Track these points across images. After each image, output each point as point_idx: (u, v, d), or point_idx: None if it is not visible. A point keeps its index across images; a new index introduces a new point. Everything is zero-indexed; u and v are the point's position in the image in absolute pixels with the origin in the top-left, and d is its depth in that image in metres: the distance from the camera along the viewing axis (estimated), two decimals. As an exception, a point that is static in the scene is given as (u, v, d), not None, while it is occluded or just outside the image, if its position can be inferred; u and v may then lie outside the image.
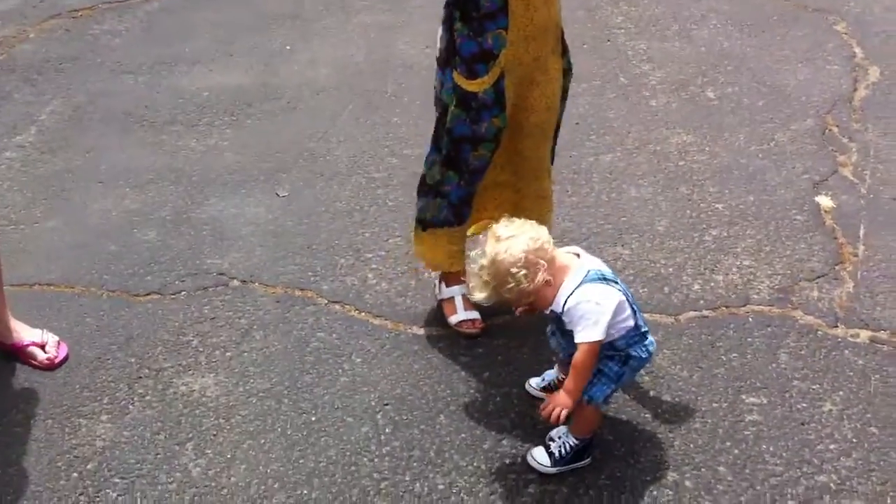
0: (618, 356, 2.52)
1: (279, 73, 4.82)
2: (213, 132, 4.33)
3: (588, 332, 2.41)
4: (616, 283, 2.51)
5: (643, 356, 2.54)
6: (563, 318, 2.46)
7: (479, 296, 2.50)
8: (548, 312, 2.51)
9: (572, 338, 2.46)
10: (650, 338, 2.56)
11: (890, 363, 2.98)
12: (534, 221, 2.52)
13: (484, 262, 2.44)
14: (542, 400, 2.83)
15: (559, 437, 2.65)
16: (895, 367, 2.96)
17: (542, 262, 2.42)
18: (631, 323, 2.49)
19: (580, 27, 5.09)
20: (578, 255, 2.55)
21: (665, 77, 4.67)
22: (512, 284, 2.42)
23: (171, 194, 3.91)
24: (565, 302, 2.44)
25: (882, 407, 2.82)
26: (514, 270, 2.40)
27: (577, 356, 2.45)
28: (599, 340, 2.42)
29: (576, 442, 2.62)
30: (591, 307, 2.41)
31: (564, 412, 2.49)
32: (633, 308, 2.51)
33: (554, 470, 2.63)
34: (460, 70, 2.78)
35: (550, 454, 2.64)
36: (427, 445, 2.74)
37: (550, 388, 2.83)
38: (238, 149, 4.21)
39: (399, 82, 4.69)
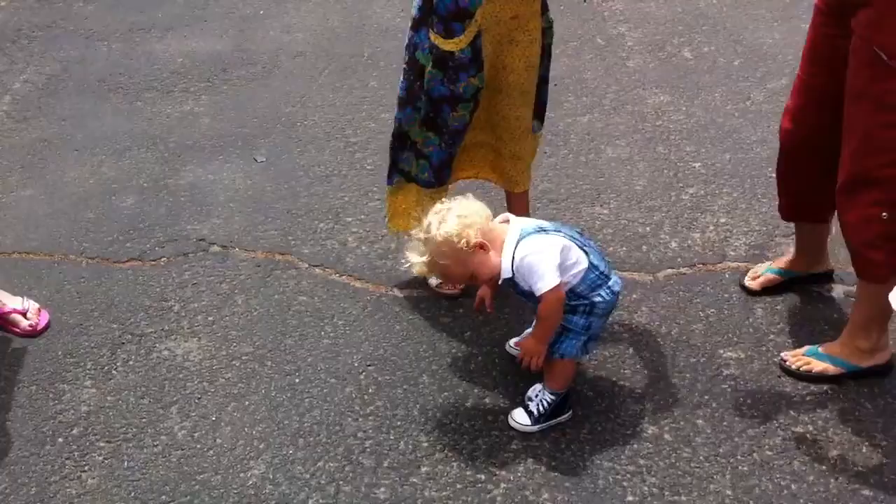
0: (582, 307, 2.54)
1: (254, 39, 4.79)
2: (189, 98, 4.31)
3: (543, 282, 2.44)
4: (558, 231, 2.52)
5: (608, 299, 2.55)
6: (517, 280, 2.50)
7: (417, 268, 2.58)
8: (501, 283, 2.55)
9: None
10: (614, 277, 2.58)
11: (864, 316, 3.03)
12: (470, 196, 2.57)
13: (421, 235, 2.53)
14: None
15: (536, 395, 2.69)
16: (869, 320, 3.01)
17: (473, 229, 2.47)
18: (584, 265, 2.51)
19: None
20: (508, 221, 2.57)
21: (642, 38, 4.68)
22: (446, 250, 2.48)
23: (148, 161, 3.89)
24: (511, 264, 2.48)
25: (857, 359, 2.88)
26: (446, 239, 2.46)
27: (541, 306, 2.49)
28: (557, 284, 2.45)
29: (552, 397, 2.66)
30: (535, 258, 2.45)
31: (539, 359, 2.55)
32: (584, 250, 2.52)
33: (535, 427, 2.67)
34: (437, 29, 2.78)
35: (530, 413, 2.68)
36: (410, 404, 2.77)
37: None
38: (215, 115, 4.19)
39: (375, 46, 4.67)
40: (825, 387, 2.79)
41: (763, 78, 4.30)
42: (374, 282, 3.23)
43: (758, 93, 4.20)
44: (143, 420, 2.74)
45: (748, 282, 3.13)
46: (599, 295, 2.54)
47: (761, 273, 3.14)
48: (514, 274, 2.49)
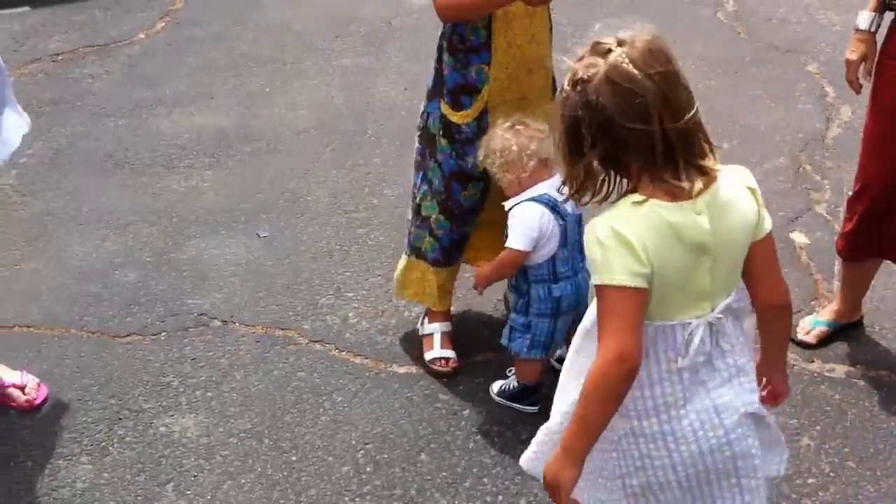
0: (521, 303, 2.79)
1: (259, 115, 4.85)
2: (194, 174, 4.36)
3: (514, 240, 2.72)
4: (563, 222, 2.71)
5: (543, 296, 2.76)
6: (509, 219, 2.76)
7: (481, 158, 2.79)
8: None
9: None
10: (562, 283, 2.76)
11: (866, 397, 3.02)
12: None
13: (491, 132, 2.77)
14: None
15: (510, 376, 3.01)
16: (871, 402, 3.00)
17: (522, 164, 2.69)
18: (548, 257, 2.73)
19: (555, 71, 5.16)
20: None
21: (641, 117, 4.73)
22: (492, 162, 2.75)
23: (151, 236, 3.92)
24: (512, 208, 2.75)
25: (859, 441, 2.86)
26: (497, 154, 2.72)
27: (503, 253, 2.76)
28: (522, 251, 2.71)
29: (517, 384, 2.97)
30: (525, 219, 2.70)
31: (480, 286, 2.94)
32: (564, 248, 2.73)
33: (497, 399, 3.01)
34: (447, 100, 2.84)
35: (501, 388, 3.01)
36: (408, 484, 2.75)
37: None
38: (219, 190, 4.23)
39: (379, 123, 4.73)
40: (827, 469, 2.76)
41: (761, 158, 4.34)
42: (374, 358, 3.23)
43: (756, 173, 4.19)
44: (139, 497, 2.72)
45: (803, 337, 3.22)
46: (536, 289, 2.76)
47: (811, 327, 3.25)
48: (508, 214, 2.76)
